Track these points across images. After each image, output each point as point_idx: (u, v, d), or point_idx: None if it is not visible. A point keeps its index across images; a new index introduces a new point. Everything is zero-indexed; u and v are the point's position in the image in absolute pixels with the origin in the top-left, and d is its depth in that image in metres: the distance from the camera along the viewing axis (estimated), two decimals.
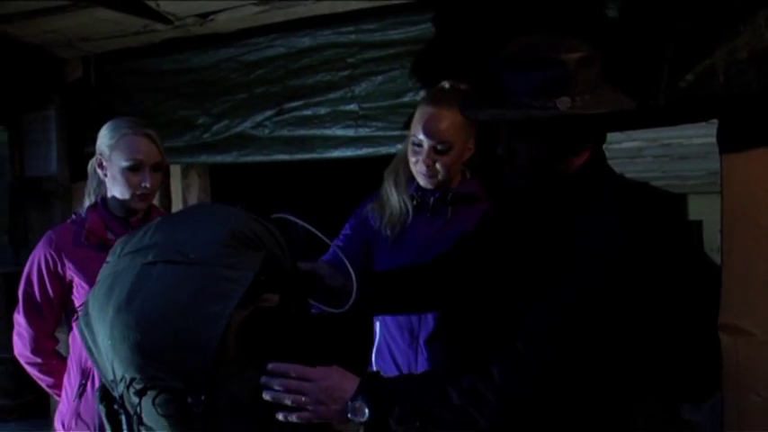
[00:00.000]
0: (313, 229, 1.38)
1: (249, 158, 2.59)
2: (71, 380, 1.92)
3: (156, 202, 2.36)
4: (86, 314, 1.27)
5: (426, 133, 1.76)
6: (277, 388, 1.22)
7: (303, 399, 1.21)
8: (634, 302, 1.23)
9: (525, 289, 1.30)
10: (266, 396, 1.23)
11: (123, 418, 1.27)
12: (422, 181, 1.82)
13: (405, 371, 1.85)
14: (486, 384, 1.18)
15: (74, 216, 1.98)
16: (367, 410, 1.20)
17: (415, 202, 1.84)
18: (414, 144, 1.80)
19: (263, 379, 1.23)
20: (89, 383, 1.87)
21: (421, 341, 1.84)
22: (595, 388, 1.27)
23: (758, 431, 1.65)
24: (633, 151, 4.60)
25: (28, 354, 1.94)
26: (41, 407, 3.62)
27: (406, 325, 1.85)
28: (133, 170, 1.85)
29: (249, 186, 1.69)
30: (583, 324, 1.19)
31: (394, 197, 1.85)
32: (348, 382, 1.23)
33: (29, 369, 1.99)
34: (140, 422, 1.25)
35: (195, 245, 1.22)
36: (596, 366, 1.24)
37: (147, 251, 1.24)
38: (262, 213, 1.34)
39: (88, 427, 1.86)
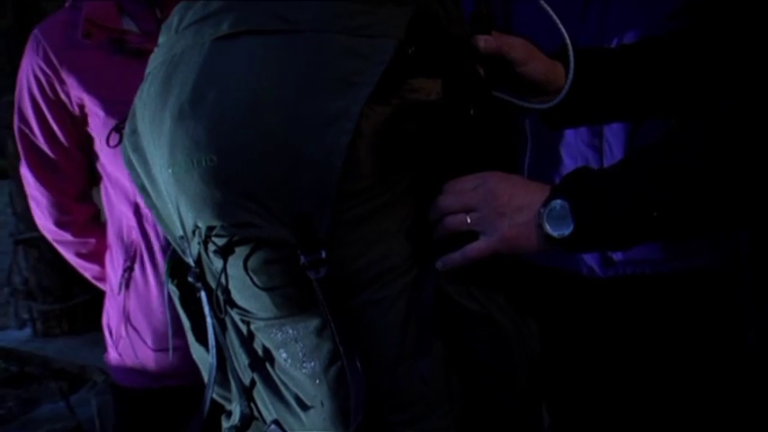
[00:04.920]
0: None
1: None
2: (113, 263, 1.31)
3: None
4: (133, 131, 0.81)
5: None
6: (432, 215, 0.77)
7: (468, 218, 0.74)
8: None
9: None
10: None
11: (203, 296, 0.83)
12: None
13: None
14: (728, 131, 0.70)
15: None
16: (569, 208, 0.70)
17: None
18: None
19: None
20: (137, 266, 1.26)
21: (608, 134, 1.15)
22: None
23: None
24: None
25: (51, 226, 1.34)
26: (95, 312, 2.65)
27: None
28: None
29: None
30: None
31: None
32: (533, 185, 0.76)
33: (63, 253, 1.39)
34: (230, 302, 0.81)
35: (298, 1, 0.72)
36: None
37: (221, 18, 0.74)
38: None
39: (140, 336, 1.27)
